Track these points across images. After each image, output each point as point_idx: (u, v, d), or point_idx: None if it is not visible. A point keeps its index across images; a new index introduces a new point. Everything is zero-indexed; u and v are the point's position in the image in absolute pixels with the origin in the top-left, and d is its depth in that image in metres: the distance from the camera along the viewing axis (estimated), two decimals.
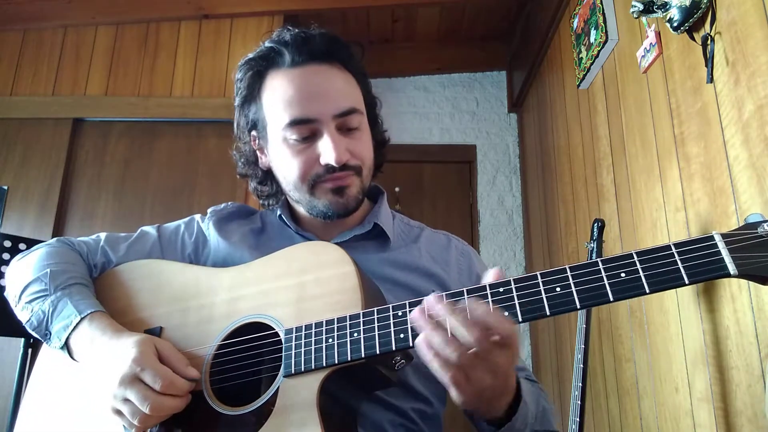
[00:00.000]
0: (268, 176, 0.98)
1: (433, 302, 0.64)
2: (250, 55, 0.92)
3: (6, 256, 1.65)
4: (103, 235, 0.99)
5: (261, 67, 0.91)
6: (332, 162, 0.85)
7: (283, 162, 0.90)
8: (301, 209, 0.95)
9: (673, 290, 1.48)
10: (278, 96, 0.88)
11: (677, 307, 1.46)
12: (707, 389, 1.32)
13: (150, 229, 1.00)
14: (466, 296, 0.65)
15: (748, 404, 1.17)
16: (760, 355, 1.13)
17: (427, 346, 0.62)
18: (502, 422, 0.71)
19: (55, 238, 0.97)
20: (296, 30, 0.90)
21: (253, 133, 0.95)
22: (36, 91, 2.68)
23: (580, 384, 1.59)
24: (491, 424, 0.72)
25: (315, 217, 0.92)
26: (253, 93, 0.92)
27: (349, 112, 0.88)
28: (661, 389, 1.55)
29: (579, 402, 1.58)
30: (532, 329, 2.97)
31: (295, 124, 0.86)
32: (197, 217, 1.03)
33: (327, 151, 0.85)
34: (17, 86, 2.70)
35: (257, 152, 0.97)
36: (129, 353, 0.73)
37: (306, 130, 0.86)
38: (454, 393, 0.64)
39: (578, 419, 1.58)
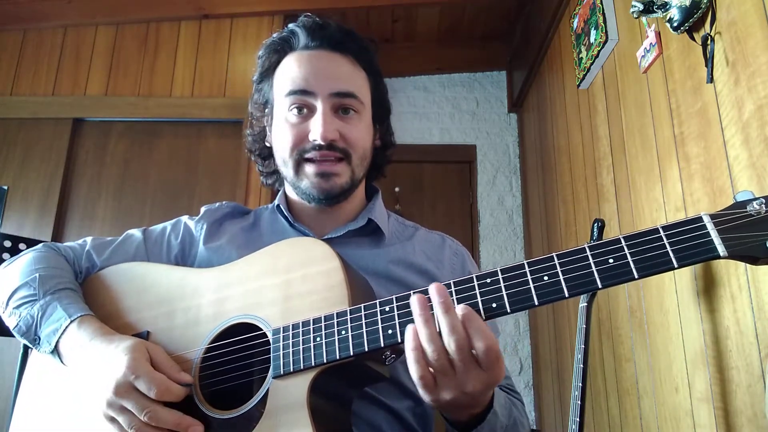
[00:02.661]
0: (271, 153, 0.99)
1: (435, 292, 0.63)
2: (274, 36, 0.96)
3: (6, 256, 1.65)
4: (89, 240, 0.99)
5: (278, 48, 0.94)
6: (318, 138, 0.86)
7: (279, 136, 0.92)
8: (293, 195, 0.97)
9: (673, 290, 1.48)
10: (285, 73, 0.92)
11: (677, 307, 1.46)
12: (707, 389, 1.32)
13: (135, 232, 1.00)
14: (453, 288, 0.65)
15: (748, 404, 1.17)
16: (760, 355, 1.13)
17: (413, 337, 0.62)
18: (468, 427, 0.71)
19: (41, 244, 0.96)
20: (315, 17, 0.94)
21: (266, 110, 0.98)
22: (36, 91, 2.68)
23: (580, 384, 1.59)
24: (455, 426, 0.72)
25: (301, 199, 0.94)
26: (267, 71, 0.96)
27: (346, 95, 0.89)
28: (661, 389, 1.55)
29: (579, 402, 1.58)
30: (532, 329, 2.97)
31: (292, 93, 0.89)
32: (185, 218, 1.03)
33: (315, 127, 0.87)
34: (17, 86, 2.70)
35: (266, 129, 0.99)
36: (122, 360, 0.71)
37: (302, 102, 0.89)
38: (420, 391, 0.64)
39: (578, 419, 1.57)
